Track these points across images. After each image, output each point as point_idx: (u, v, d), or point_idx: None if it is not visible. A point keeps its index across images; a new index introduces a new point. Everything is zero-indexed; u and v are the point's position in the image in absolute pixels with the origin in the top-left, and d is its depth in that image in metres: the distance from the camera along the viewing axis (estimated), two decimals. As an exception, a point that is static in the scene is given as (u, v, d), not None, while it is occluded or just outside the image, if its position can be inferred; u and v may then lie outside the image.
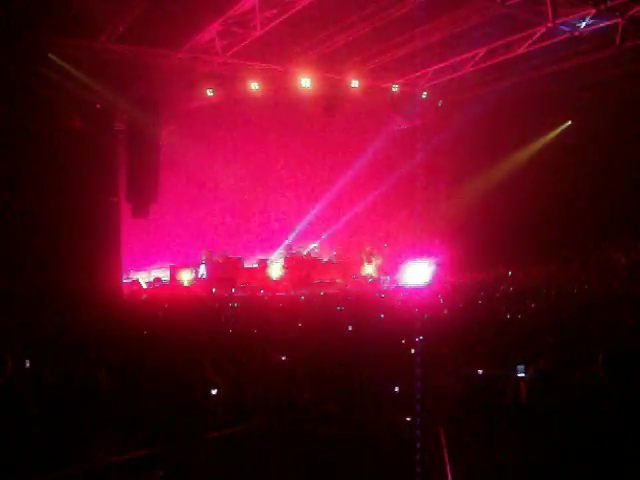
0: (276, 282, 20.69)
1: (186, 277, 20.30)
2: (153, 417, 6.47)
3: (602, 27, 15.75)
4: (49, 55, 15.45)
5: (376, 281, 21.93)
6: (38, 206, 16.08)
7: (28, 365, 8.05)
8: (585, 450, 3.18)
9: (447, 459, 5.28)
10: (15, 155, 15.73)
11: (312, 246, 22.44)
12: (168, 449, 5.46)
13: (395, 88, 21.35)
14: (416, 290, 18.65)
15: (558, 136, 24.49)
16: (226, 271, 20.26)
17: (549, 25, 15.52)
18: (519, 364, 7.37)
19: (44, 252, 15.48)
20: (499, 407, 5.27)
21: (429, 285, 19.97)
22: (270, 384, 7.14)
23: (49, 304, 14.48)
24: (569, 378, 4.74)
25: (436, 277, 20.98)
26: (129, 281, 19.50)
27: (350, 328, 11.64)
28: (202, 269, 20.45)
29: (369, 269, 23.00)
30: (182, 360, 8.66)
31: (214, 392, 6.77)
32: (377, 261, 23.20)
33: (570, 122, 24.31)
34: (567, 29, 15.92)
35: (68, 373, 7.00)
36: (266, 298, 17.84)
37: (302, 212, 22.63)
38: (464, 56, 18.70)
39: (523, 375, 6.80)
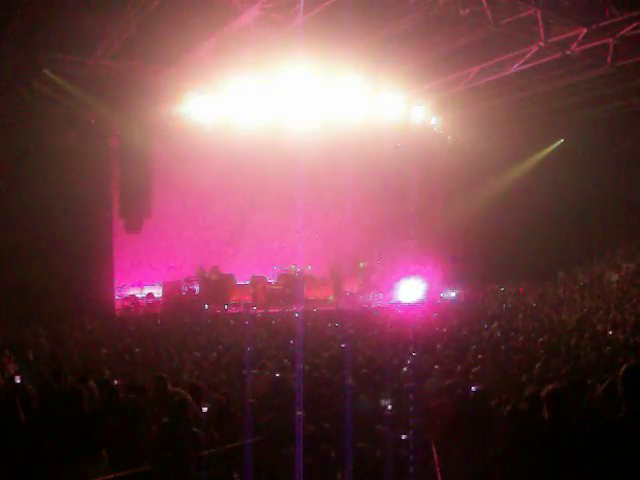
0: (268, 299, 20.56)
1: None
2: (144, 434, 6.40)
3: (593, 47, 15.90)
4: (44, 71, 15.48)
5: (369, 298, 21.82)
6: (30, 221, 16.02)
7: (18, 381, 7.99)
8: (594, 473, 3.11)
9: (439, 476, 5.25)
10: (7, 170, 15.70)
11: (306, 267, 22.25)
12: (159, 467, 5.40)
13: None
14: (409, 307, 18.61)
15: (550, 154, 24.68)
16: (219, 287, 20.15)
17: (541, 44, 15.66)
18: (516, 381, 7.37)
19: (36, 267, 15.41)
20: (496, 424, 5.25)
21: (422, 302, 19.93)
22: (262, 401, 7.09)
23: (40, 319, 14.39)
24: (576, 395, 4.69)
25: (429, 294, 20.95)
26: (125, 296, 19.37)
27: (343, 345, 11.61)
28: (195, 285, 20.35)
29: (362, 286, 22.90)
30: (174, 376, 8.60)
31: (205, 409, 6.71)
32: (370, 278, 23.11)
33: (562, 140, 24.52)
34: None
35: (54, 389, 6.92)
36: (259, 315, 17.73)
37: (295, 229, 22.56)
38: (457, 74, 18.82)
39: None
